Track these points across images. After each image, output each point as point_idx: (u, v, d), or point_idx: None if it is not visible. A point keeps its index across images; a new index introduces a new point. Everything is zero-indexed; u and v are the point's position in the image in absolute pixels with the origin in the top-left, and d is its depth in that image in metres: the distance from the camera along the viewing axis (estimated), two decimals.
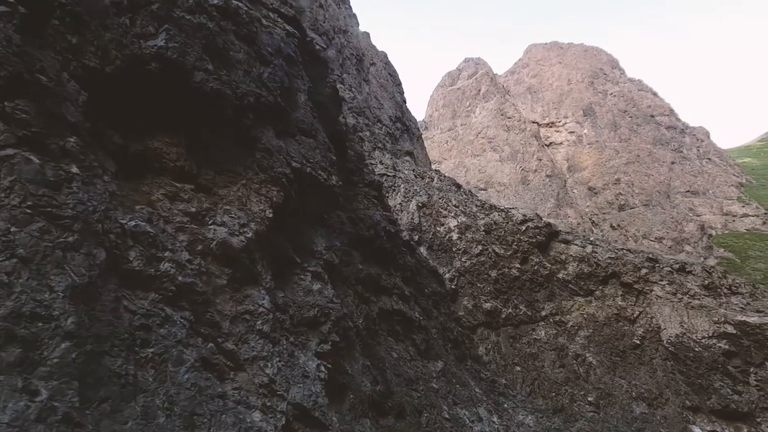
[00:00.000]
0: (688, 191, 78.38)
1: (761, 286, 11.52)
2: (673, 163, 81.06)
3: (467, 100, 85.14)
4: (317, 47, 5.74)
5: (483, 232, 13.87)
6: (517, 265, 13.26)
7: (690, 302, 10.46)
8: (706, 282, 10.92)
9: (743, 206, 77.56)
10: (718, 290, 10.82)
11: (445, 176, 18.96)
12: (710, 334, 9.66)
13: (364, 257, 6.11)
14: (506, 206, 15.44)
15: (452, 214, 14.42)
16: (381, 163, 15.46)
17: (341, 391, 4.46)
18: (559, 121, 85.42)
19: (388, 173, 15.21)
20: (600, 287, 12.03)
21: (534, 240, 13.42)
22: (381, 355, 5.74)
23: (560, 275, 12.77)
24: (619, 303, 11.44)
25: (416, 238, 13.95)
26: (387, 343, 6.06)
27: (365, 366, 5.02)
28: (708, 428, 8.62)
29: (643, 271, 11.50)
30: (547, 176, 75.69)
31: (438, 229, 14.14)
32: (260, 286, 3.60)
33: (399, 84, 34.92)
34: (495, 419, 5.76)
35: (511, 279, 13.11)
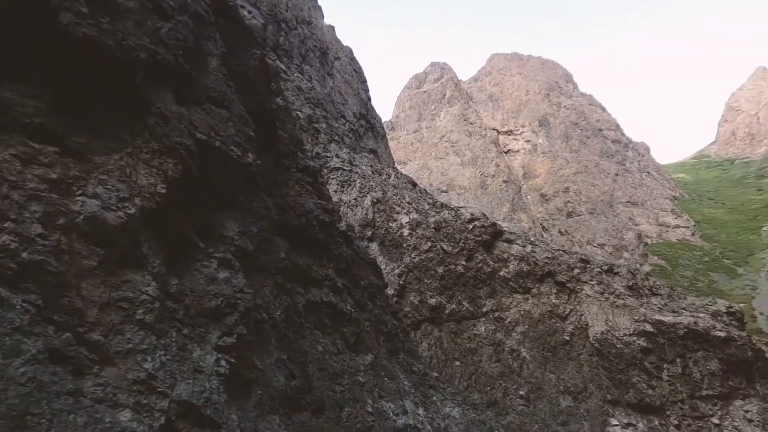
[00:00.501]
0: (629, 202, 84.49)
1: (678, 289, 12.50)
2: (616, 174, 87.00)
3: (432, 104, 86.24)
4: (244, 14, 5.29)
5: (433, 229, 13.91)
6: (463, 262, 13.41)
7: (615, 301, 11.02)
8: (630, 283, 11.56)
9: (676, 218, 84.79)
10: (641, 291, 11.48)
11: (401, 174, 18.94)
12: (631, 332, 10.20)
13: (293, 246, 5.75)
14: (457, 206, 15.61)
15: (405, 211, 14.35)
16: (337, 156, 15.10)
17: (247, 387, 4.11)
18: (517, 130, 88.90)
19: (344, 167, 14.88)
20: (537, 285, 12.42)
21: (480, 238, 13.62)
22: (304, 349, 5.43)
23: (502, 273, 13.04)
24: (553, 300, 11.86)
25: (369, 233, 13.74)
26: (313, 336, 5.76)
27: (280, 360, 4.69)
28: (625, 421, 9.09)
29: (576, 270, 11.98)
30: (504, 182, 78.63)
31: (390, 225, 14.01)
32: (145, 270, 3.18)
33: (364, 81, 34.52)
34: (420, 412, 5.63)
35: (456, 275, 13.24)
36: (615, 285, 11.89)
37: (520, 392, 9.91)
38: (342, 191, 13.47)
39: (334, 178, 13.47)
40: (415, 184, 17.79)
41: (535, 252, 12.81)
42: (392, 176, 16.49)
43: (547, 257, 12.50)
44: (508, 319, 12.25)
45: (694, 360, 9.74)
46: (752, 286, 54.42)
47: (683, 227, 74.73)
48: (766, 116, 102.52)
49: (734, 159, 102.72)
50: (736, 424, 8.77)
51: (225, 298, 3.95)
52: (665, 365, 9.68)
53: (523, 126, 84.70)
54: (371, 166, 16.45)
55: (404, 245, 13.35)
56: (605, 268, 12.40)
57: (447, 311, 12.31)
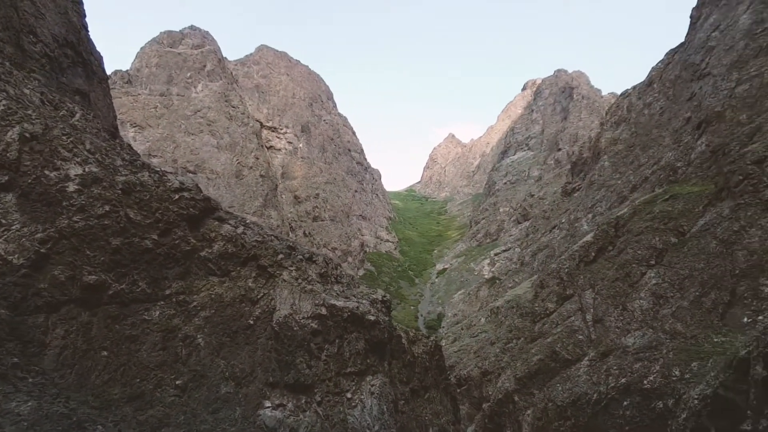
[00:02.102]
0: (361, 215, 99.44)
1: (358, 279, 14.94)
2: (356, 191, 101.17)
3: (189, 71, 76.07)
4: None
5: (120, 191, 11.12)
6: (155, 237, 11.28)
7: (305, 287, 11.54)
8: (323, 271, 12.51)
9: (387, 234, 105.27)
10: (328, 278, 12.61)
11: (94, 119, 14.69)
12: (309, 315, 10.79)
13: None
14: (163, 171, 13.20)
15: (79, 160, 10.90)
16: None
17: None
18: (281, 129, 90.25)
19: None
20: (238, 268, 11.75)
21: (186, 212, 11.86)
22: None
23: (203, 253, 11.71)
24: (250, 284, 11.44)
25: (4, 179, 9.59)
26: None
27: None
28: (277, 402, 9.36)
29: (280, 256, 12.03)
30: (261, 176, 77.39)
31: (48, 173, 10.28)
32: None
33: (79, 2, 25.94)
34: None
35: (140, 251, 10.96)
36: (310, 272, 12.57)
37: (177, 382, 8.78)
38: None
39: None
40: (115, 135, 14.20)
41: (246, 234, 12.17)
42: (78, 115, 12.47)
43: (256, 240, 12.06)
44: (194, 303, 10.99)
45: (348, 341, 11.06)
46: (421, 293, 73.69)
47: (391, 242, 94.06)
48: (450, 171, 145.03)
49: (429, 197, 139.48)
50: (362, 397, 10.36)
51: None
52: (326, 345, 10.64)
53: (287, 127, 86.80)
54: (42, 94, 11.90)
55: (64, 203, 10.05)
56: (307, 255, 13.03)
57: (111, 292, 9.90)
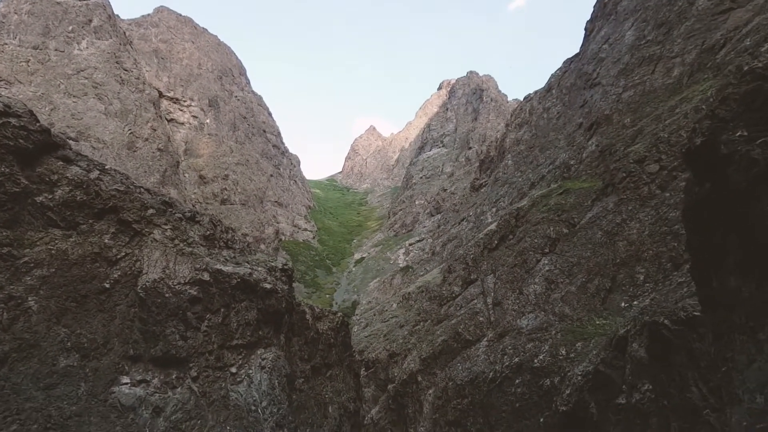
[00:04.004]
0: (276, 202, 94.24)
1: (256, 246, 13.40)
2: (271, 176, 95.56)
3: (71, 25, 64.44)
4: None
5: None
6: None
7: (183, 249, 9.63)
8: (208, 233, 10.67)
9: (306, 223, 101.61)
10: (216, 242, 10.80)
11: None
12: (186, 281, 9.01)
13: None
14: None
15: None
16: None
17: None
18: (185, 101, 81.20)
19: None
20: (90, 221, 9.35)
21: (13, 144, 9.07)
22: None
23: (40, 198, 9.12)
24: (107, 241, 9.17)
25: None
26: None
27: None
28: (138, 378, 7.54)
29: (151, 211, 9.86)
30: (159, 150, 68.51)
31: None
32: None
33: None
34: None
35: None
36: (191, 233, 10.62)
37: None
38: None
39: None
40: None
41: (102, 180, 9.75)
42: None
43: (117, 189, 9.72)
44: (25, 259, 8.51)
45: (236, 310, 9.53)
46: (338, 282, 72.58)
47: (309, 231, 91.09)
48: (371, 163, 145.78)
49: (350, 188, 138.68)
50: (250, 371, 8.97)
51: None
52: (208, 315, 8.97)
53: (192, 99, 78.46)
54: None
55: None
56: (188, 215, 11.02)
57: None
